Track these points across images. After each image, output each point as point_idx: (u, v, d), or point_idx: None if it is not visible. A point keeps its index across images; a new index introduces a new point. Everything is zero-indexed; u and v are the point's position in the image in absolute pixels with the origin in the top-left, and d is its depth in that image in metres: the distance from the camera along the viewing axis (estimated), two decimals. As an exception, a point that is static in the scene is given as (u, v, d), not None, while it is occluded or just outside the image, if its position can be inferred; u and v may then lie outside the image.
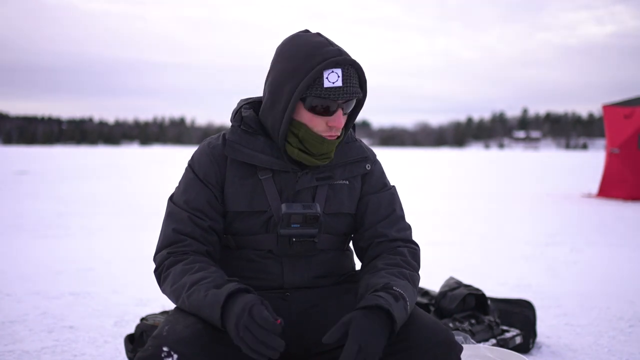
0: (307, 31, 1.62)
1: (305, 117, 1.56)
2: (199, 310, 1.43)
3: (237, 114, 1.69)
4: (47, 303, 3.30)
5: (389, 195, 1.73)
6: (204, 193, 1.63)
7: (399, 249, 1.66)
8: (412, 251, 1.68)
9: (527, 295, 3.55)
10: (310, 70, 1.50)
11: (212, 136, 1.73)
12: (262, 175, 1.63)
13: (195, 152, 1.71)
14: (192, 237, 1.59)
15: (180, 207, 1.62)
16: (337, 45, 1.56)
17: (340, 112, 1.55)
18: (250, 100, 1.73)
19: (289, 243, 1.61)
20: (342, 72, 1.52)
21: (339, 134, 1.62)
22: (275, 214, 1.61)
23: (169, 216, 1.64)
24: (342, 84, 1.51)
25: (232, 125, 1.68)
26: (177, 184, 1.71)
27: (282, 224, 1.58)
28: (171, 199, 1.67)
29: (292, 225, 1.59)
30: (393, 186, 1.78)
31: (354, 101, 1.59)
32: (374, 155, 1.78)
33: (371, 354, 1.37)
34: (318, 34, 1.59)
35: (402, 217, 1.74)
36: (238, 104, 1.74)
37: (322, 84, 1.51)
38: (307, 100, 1.53)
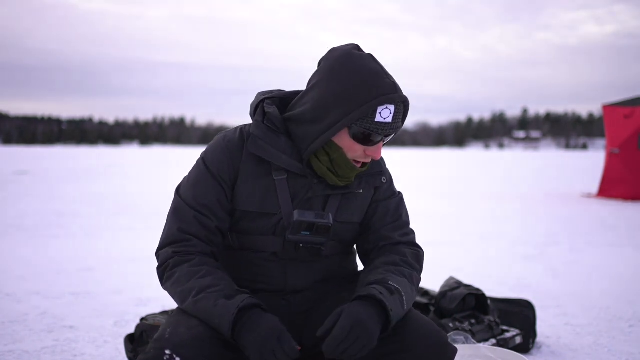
0: (358, 49, 1.58)
1: (346, 142, 1.54)
2: (207, 318, 1.43)
3: (258, 109, 1.64)
4: (47, 303, 3.30)
5: (397, 202, 1.74)
6: (214, 190, 1.59)
7: (401, 250, 1.66)
8: (415, 253, 1.68)
9: (527, 295, 3.55)
10: (365, 103, 1.48)
11: (227, 130, 1.69)
12: (277, 176, 1.60)
13: (210, 145, 1.66)
14: (198, 238, 1.57)
15: (187, 203, 1.59)
16: (391, 77, 1.53)
17: (381, 143, 1.56)
18: (271, 95, 1.67)
19: (295, 248, 1.60)
20: (395, 109, 1.51)
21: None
22: (286, 218, 1.59)
23: (175, 213, 1.60)
24: (392, 120, 1.51)
25: (255, 120, 1.62)
26: (186, 175, 1.66)
27: (292, 230, 1.57)
28: (178, 191, 1.63)
29: (302, 233, 1.57)
30: (400, 193, 1.78)
31: None
32: (384, 163, 1.77)
33: (364, 335, 1.37)
34: (371, 56, 1.55)
35: (408, 223, 1.75)
36: (257, 97, 1.68)
37: (374, 118, 1.49)
38: (354, 129, 1.51)
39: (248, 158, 1.60)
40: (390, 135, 1.55)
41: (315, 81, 1.56)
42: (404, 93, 1.53)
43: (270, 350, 1.36)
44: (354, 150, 1.55)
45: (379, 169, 1.72)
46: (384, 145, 1.58)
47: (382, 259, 1.63)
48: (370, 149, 1.55)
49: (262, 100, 1.65)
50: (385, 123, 1.50)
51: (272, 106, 1.63)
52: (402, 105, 1.53)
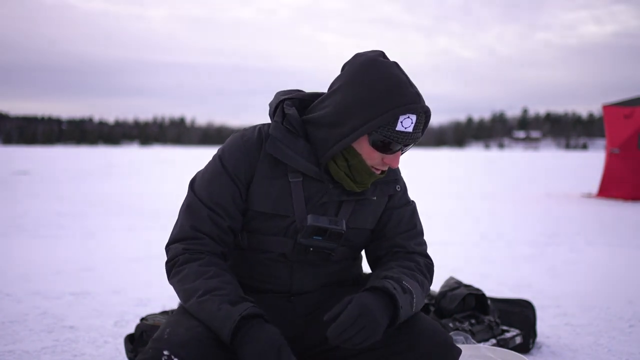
0: (384, 56, 1.57)
1: (365, 149, 1.53)
2: (209, 320, 1.43)
3: (277, 109, 1.63)
4: (47, 303, 3.30)
5: (411, 211, 1.74)
6: (229, 188, 1.58)
7: (415, 258, 1.67)
8: (428, 264, 1.69)
9: (527, 295, 3.55)
10: (387, 111, 1.47)
11: (245, 128, 1.68)
12: (292, 178, 1.59)
13: (227, 143, 1.64)
14: (210, 237, 1.56)
15: (201, 200, 1.57)
16: (415, 86, 1.53)
17: (399, 152, 1.55)
18: (291, 96, 1.66)
19: (305, 252, 1.60)
20: (416, 119, 1.50)
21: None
22: (299, 221, 1.58)
23: (189, 209, 1.59)
24: (413, 130, 1.50)
25: (274, 121, 1.61)
26: (200, 170, 1.65)
27: (304, 233, 1.56)
28: (192, 186, 1.62)
29: (314, 237, 1.57)
30: (413, 202, 1.78)
31: None
32: (399, 172, 1.76)
33: (370, 325, 1.37)
34: (396, 65, 1.54)
35: (422, 233, 1.75)
36: (276, 97, 1.67)
37: (395, 126, 1.49)
38: (374, 136, 1.51)
39: (265, 158, 1.59)
40: (409, 145, 1.54)
41: (338, 85, 1.55)
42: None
43: None
44: (372, 158, 1.54)
45: (394, 176, 1.71)
46: (402, 154, 1.58)
47: (397, 262, 1.63)
48: (389, 157, 1.54)
49: (282, 101, 1.64)
50: (406, 133, 1.50)
51: (291, 108, 1.62)
52: (424, 116, 1.53)
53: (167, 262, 1.57)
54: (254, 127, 1.66)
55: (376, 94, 1.48)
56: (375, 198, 1.68)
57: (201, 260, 1.52)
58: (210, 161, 1.64)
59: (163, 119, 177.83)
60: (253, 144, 1.60)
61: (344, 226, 1.58)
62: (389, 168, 1.63)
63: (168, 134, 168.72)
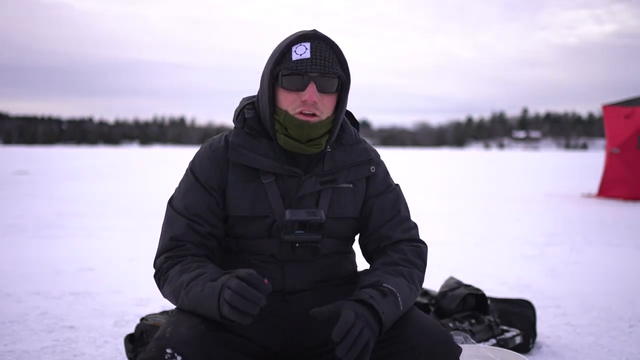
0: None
1: (282, 98, 1.56)
2: (198, 305, 1.42)
3: (239, 115, 1.67)
4: (47, 303, 3.30)
5: (394, 196, 1.71)
6: (204, 198, 1.60)
7: (401, 247, 1.65)
8: (415, 249, 1.66)
9: (527, 295, 3.55)
10: (280, 49, 1.55)
11: (213, 137, 1.70)
12: (265, 179, 1.60)
13: (197, 154, 1.67)
14: (190, 242, 1.58)
15: (179, 212, 1.60)
16: (315, 30, 1.58)
17: (312, 86, 1.53)
18: (253, 99, 1.70)
19: (292, 248, 1.60)
20: (311, 45, 1.53)
21: (320, 116, 1.56)
22: (279, 219, 1.59)
23: (168, 222, 1.61)
24: (311, 55, 1.52)
25: (235, 127, 1.66)
26: (177, 186, 1.68)
27: (285, 230, 1.56)
28: (170, 202, 1.65)
29: (296, 232, 1.56)
30: (397, 185, 1.75)
31: (332, 80, 1.55)
32: (377, 156, 1.75)
33: (368, 327, 1.36)
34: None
35: (407, 217, 1.72)
36: (241, 103, 1.71)
37: (291, 57, 1.52)
38: (279, 78, 1.55)
39: (235, 165, 1.61)
40: (320, 74, 1.52)
41: None
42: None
43: (226, 286, 1.33)
44: (291, 102, 1.55)
45: (366, 156, 1.69)
46: (327, 92, 1.55)
47: (381, 259, 1.62)
48: (303, 93, 1.53)
49: (245, 106, 1.68)
50: (304, 59, 1.52)
51: (251, 111, 1.66)
52: (325, 45, 1.55)
53: (154, 276, 1.59)
54: (221, 135, 1.69)
55: (276, 47, 1.58)
56: (351, 185, 1.67)
57: (183, 262, 1.54)
58: (184, 175, 1.66)
59: (163, 119, 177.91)
60: (221, 153, 1.63)
61: (323, 215, 1.57)
62: (363, 145, 1.69)
63: (168, 134, 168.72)
